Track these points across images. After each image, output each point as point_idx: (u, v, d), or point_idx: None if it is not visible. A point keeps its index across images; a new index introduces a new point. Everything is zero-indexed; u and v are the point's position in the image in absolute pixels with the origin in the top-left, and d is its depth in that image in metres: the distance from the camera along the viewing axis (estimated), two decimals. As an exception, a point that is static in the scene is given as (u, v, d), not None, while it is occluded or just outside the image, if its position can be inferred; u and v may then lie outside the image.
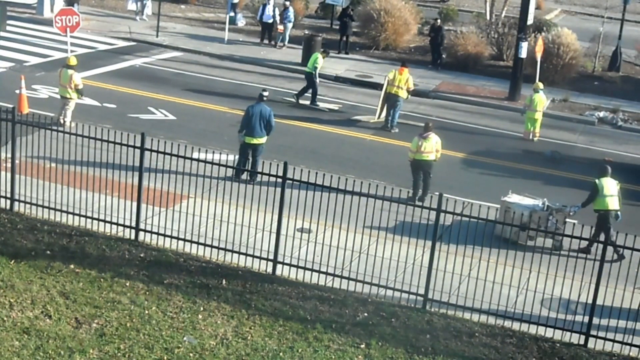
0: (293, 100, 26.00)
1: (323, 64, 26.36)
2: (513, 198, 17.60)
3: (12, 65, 27.29)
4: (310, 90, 25.98)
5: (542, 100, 24.15)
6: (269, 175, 14.60)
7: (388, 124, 23.94)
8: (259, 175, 17.74)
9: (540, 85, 24.75)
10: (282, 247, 14.71)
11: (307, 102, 25.96)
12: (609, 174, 17.13)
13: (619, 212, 16.91)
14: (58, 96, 21.88)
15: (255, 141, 18.85)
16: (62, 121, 20.92)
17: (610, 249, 14.10)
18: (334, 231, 14.84)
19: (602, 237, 15.56)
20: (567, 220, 16.94)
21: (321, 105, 25.93)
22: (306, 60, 30.54)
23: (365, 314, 13.64)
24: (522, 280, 14.14)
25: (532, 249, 16.34)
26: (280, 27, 33.68)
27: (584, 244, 15.77)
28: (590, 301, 13.40)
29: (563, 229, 16.58)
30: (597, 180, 16.96)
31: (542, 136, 24.58)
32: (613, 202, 16.86)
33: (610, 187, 16.96)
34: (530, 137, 24.58)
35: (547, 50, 29.84)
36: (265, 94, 19.48)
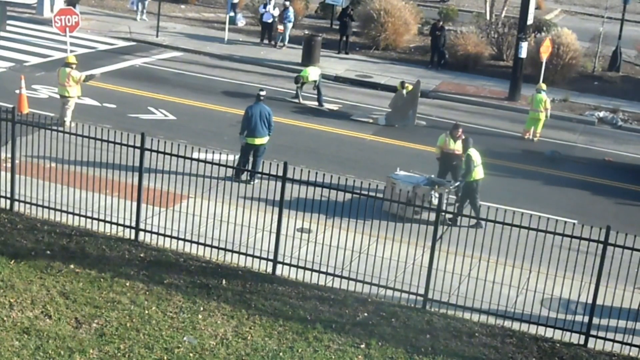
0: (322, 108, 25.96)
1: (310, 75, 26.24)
2: (400, 174, 18.29)
3: (12, 65, 27.29)
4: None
5: (543, 100, 24.12)
6: (269, 175, 14.59)
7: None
8: (260, 175, 17.76)
9: (543, 86, 24.76)
10: (282, 247, 14.70)
11: (316, 104, 26.00)
12: (472, 145, 17.95)
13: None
14: (58, 96, 21.86)
15: (257, 141, 18.83)
16: (62, 121, 20.91)
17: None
18: (334, 231, 14.84)
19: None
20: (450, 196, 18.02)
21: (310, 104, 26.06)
22: (307, 60, 30.66)
23: (365, 314, 13.64)
24: (522, 280, 14.14)
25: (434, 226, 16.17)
26: (280, 27, 33.70)
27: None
28: (590, 301, 13.39)
29: (446, 203, 17.42)
30: (468, 153, 17.75)
31: (542, 136, 24.59)
32: (482, 171, 17.80)
33: (479, 157, 17.87)
34: (530, 136, 24.60)
35: (547, 50, 29.90)
36: (263, 93, 19.47)
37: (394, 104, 24.96)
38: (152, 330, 12.51)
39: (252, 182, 18.36)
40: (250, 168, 18.78)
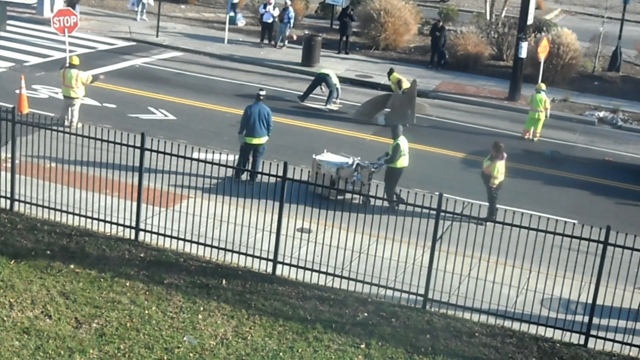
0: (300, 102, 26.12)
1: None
2: (325, 156, 18.85)
3: (12, 65, 27.29)
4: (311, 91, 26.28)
5: (543, 99, 24.11)
6: (269, 175, 14.59)
7: None
8: (259, 175, 17.76)
9: (543, 86, 24.78)
10: (282, 247, 14.70)
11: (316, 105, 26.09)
12: (402, 133, 18.21)
13: None
14: (58, 96, 21.85)
15: (256, 141, 18.83)
16: (68, 122, 20.88)
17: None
18: (334, 231, 14.84)
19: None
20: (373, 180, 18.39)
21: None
22: (307, 60, 30.69)
23: (365, 314, 13.64)
24: (522, 280, 14.14)
25: (353, 208, 15.72)
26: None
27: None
28: (590, 301, 13.39)
29: (368, 186, 18.04)
30: (398, 141, 18.07)
31: (542, 136, 24.58)
32: (407, 160, 18.26)
33: (406, 146, 18.28)
34: (530, 136, 24.60)
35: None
36: (262, 93, 19.48)
37: (392, 104, 24.98)
38: (152, 330, 12.51)
39: (252, 182, 18.36)
40: (250, 168, 18.79)
